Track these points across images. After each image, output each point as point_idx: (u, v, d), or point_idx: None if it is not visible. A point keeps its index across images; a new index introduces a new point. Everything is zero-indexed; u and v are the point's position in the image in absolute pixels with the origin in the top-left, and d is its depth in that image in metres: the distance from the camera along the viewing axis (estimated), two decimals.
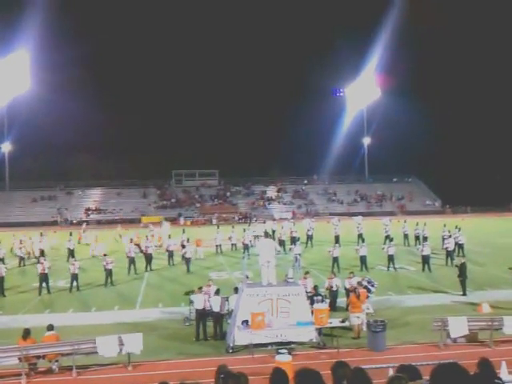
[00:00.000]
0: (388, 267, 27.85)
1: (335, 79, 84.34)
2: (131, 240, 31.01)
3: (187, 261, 29.18)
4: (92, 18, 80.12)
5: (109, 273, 25.50)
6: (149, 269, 29.35)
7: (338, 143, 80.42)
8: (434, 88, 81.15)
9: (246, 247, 33.28)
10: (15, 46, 68.20)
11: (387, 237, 35.41)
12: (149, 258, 29.70)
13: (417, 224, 37.27)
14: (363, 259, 27.79)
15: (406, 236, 37.50)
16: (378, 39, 75.68)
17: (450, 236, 31.85)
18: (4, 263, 27.34)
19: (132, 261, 28.61)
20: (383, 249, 29.43)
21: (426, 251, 27.59)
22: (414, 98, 72.56)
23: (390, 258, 27.87)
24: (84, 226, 50.97)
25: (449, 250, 29.44)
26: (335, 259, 27.50)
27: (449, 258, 28.95)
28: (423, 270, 27.24)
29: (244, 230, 35.37)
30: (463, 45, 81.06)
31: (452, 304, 20.30)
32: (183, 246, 31.95)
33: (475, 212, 72.31)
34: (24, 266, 32.02)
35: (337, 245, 30.65)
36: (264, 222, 47.01)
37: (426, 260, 27.39)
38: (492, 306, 18.94)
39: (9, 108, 74.39)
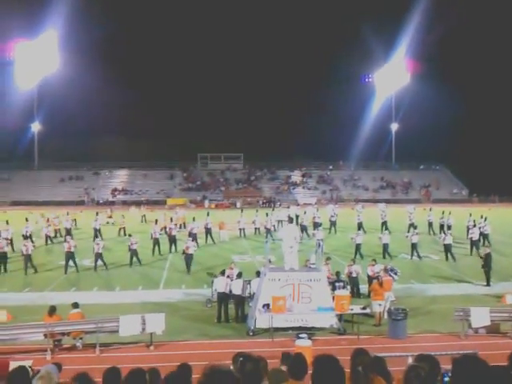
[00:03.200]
0: (411, 255, 27.70)
1: (364, 65, 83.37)
2: (156, 221, 31.38)
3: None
4: None
5: (133, 253, 25.91)
6: (173, 250, 29.66)
7: (365, 129, 79.51)
8: (464, 74, 79.53)
9: (268, 231, 33.35)
10: (45, 27, 68.88)
11: (411, 225, 35.11)
12: (173, 240, 29.97)
13: (442, 213, 36.83)
14: (386, 247, 27.64)
15: (430, 224, 37.04)
16: (408, 23, 74.21)
17: (474, 225, 31.44)
18: (32, 241, 27.87)
19: (157, 242, 28.95)
20: (407, 237, 29.21)
21: (448, 240, 27.27)
22: (443, 84, 71.13)
23: (414, 247, 27.69)
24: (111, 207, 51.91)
25: (473, 239, 29.10)
26: (358, 246, 27.40)
27: (473, 248, 28.66)
28: (447, 259, 26.98)
29: (267, 215, 35.43)
30: (495, 30, 79.16)
31: (475, 294, 20.11)
32: (207, 229, 32.30)
33: (503, 202, 71.04)
34: (52, 243, 32.69)
35: (360, 231, 30.55)
36: (288, 207, 46.99)
37: (447, 249, 27.09)
38: None
39: (39, 88, 75.50)
